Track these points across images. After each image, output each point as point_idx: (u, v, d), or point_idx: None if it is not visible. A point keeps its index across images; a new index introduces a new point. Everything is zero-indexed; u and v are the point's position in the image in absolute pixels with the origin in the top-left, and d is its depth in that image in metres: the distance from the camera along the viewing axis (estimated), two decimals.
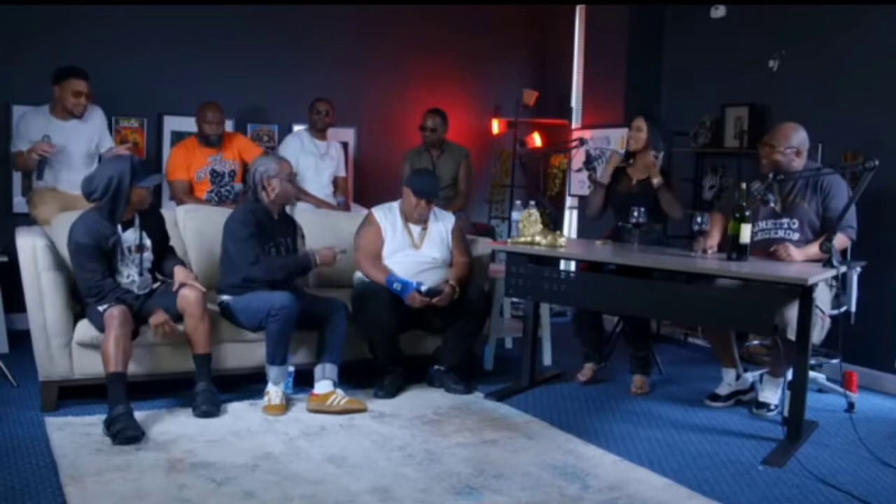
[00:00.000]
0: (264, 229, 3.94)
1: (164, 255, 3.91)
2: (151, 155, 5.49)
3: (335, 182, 5.61)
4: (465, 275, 4.29)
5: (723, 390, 4.19)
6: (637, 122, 4.50)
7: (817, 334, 3.71)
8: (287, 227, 4.12)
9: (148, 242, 3.78)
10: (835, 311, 3.98)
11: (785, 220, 4.02)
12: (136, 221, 3.74)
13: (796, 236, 3.98)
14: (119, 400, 3.37)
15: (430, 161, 5.54)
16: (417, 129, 5.62)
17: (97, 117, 4.80)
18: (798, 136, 4.00)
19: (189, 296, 3.66)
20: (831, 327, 3.92)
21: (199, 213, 4.52)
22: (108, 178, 3.58)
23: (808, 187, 3.99)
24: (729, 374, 4.19)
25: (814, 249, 3.80)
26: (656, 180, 4.38)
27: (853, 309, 4.00)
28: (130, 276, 3.71)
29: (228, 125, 5.37)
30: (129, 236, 3.70)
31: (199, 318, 3.68)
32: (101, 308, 3.54)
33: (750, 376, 4.25)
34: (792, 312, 3.53)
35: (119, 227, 3.66)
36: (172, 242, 4.04)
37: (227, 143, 5.21)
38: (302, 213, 4.99)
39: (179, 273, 3.76)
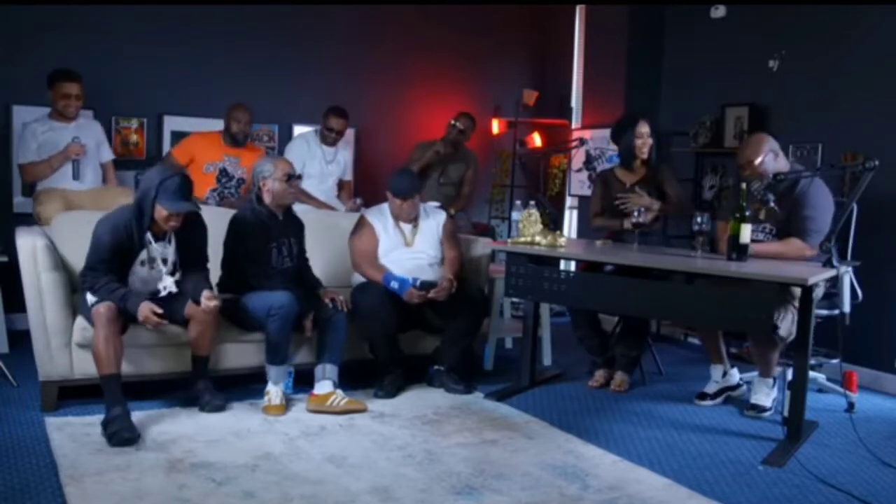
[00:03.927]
0: (268, 229, 3.94)
1: (193, 269, 3.74)
2: (152, 155, 5.49)
3: (340, 185, 5.61)
4: (458, 269, 4.31)
5: (710, 388, 4.20)
6: (644, 126, 4.47)
7: (786, 328, 3.72)
8: (290, 228, 4.11)
9: (174, 258, 3.66)
10: (825, 311, 3.98)
11: (766, 225, 4.04)
12: (170, 235, 3.65)
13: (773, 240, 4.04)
14: (115, 401, 3.36)
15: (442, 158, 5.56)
16: (445, 125, 5.61)
17: (95, 126, 4.93)
18: (767, 142, 4.00)
19: (206, 304, 3.61)
20: (831, 327, 3.93)
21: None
22: (146, 183, 3.54)
23: (786, 193, 3.93)
24: (716, 371, 4.21)
25: (773, 247, 3.89)
26: (655, 206, 4.41)
27: (846, 309, 3.98)
28: (143, 280, 3.64)
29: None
30: (158, 248, 3.62)
31: (210, 323, 3.68)
32: (90, 300, 3.52)
33: (736, 372, 4.27)
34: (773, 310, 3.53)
35: (149, 235, 3.58)
36: None
37: (250, 151, 5.22)
38: (303, 214, 4.99)
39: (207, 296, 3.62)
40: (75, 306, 3.70)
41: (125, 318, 3.52)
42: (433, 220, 4.40)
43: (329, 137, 5.42)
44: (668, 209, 4.47)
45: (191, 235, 3.74)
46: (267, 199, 3.97)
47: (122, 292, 3.50)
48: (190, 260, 3.74)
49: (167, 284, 3.67)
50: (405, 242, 4.31)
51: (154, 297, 3.65)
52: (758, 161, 3.94)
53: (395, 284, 4.10)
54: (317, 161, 5.39)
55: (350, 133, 6.14)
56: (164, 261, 3.66)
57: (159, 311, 3.51)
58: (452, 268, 4.30)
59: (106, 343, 3.40)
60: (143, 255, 3.61)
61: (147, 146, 5.51)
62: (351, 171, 5.74)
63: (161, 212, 3.52)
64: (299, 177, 4.08)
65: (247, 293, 3.86)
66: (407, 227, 4.34)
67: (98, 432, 3.33)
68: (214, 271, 4.08)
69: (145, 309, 3.48)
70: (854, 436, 3.66)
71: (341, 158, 5.57)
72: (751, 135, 4.27)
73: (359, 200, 5.36)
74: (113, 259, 3.53)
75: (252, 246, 3.88)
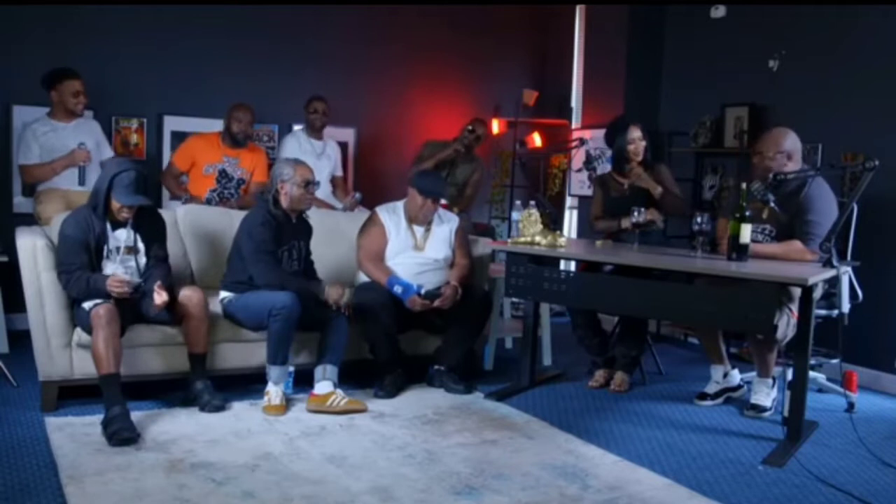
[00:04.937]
0: (281, 232, 3.93)
1: (154, 261, 3.77)
2: (152, 155, 5.49)
3: (333, 182, 5.61)
4: (465, 276, 4.30)
5: (711, 388, 4.20)
6: (635, 132, 4.48)
7: (782, 330, 3.71)
8: (301, 231, 4.10)
9: (141, 246, 3.73)
10: (823, 312, 3.98)
11: (767, 226, 4.03)
12: (130, 222, 3.69)
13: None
14: (115, 401, 3.36)
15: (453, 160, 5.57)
16: (460, 130, 5.56)
17: (93, 126, 4.92)
18: (788, 141, 3.96)
19: (192, 297, 3.67)
20: (831, 327, 3.92)
21: (199, 213, 4.53)
22: (100, 178, 3.62)
23: (791, 195, 3.92)
24: (717, 371, 4.21)
25: (774, 249, 3.87)
26: (658, 191, 4.41)
27: (845, 310, 3.98)
28: (116, 273, 3.66)
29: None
30: (120, 236, 3.67)
31: (202, 319, 3.69)
32: (86, 307, 3.52)
33: (737, 373, 4.27)
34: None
35: (108, 225, 3.64)
36: (171, 242, 3.99)
37: (250, 151, 5.19)
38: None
39: (158, 296, 3.57)
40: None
41: (123, 320, 3.53)
42: (446, 226, 4.37)
43: (316, 122, 5.43)
44: (668, 199, 4.44)
45: (150, 229, 3.78)
46: (284, 202, 3.95)
47: (88, 280, 3.52)
48: (152, 255, 3.77)
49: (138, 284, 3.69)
50: (415, 246, 4.28)
51: (142, 293, 3.64)
52: (768, 154, 3.93)
53: (398, 289, 4.09)
54: (308, 157, 5.35)
55: (350, 133, 6.16)
56: (132, 249, 3.69)
57: (123, 278, 3.52)
58: (458, 274, 4.27)
59: (105, 344, 3.40)
60: (108, 245, 3.63)
61: (147, 146, 5.51)
62: (342, 167, 5.74)
63: (114, 204, 3.59)
64: (317, 184, 4.06)
65: (250, 292, 3.86)
66: (419, 231, 4.31)
67: (98, 432, 3.33)
68: (215, 270, 4.10)
69: (112, 282, 3.50)
70: (854, 436, 3.66)
71: (331, 152, 5.56)
72: (775, 127, 4.17)
73: (357, 195, 5.34)
74: (81, 254, 3.56)
75: (264, 247, 3.86)
